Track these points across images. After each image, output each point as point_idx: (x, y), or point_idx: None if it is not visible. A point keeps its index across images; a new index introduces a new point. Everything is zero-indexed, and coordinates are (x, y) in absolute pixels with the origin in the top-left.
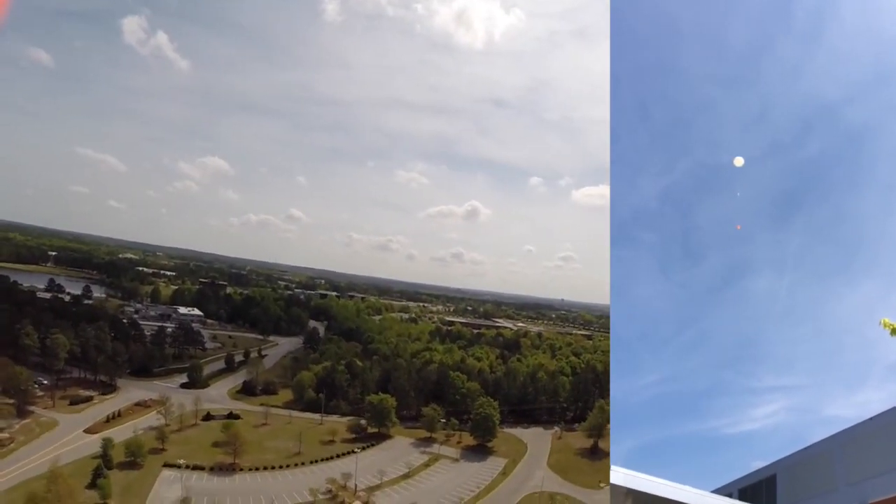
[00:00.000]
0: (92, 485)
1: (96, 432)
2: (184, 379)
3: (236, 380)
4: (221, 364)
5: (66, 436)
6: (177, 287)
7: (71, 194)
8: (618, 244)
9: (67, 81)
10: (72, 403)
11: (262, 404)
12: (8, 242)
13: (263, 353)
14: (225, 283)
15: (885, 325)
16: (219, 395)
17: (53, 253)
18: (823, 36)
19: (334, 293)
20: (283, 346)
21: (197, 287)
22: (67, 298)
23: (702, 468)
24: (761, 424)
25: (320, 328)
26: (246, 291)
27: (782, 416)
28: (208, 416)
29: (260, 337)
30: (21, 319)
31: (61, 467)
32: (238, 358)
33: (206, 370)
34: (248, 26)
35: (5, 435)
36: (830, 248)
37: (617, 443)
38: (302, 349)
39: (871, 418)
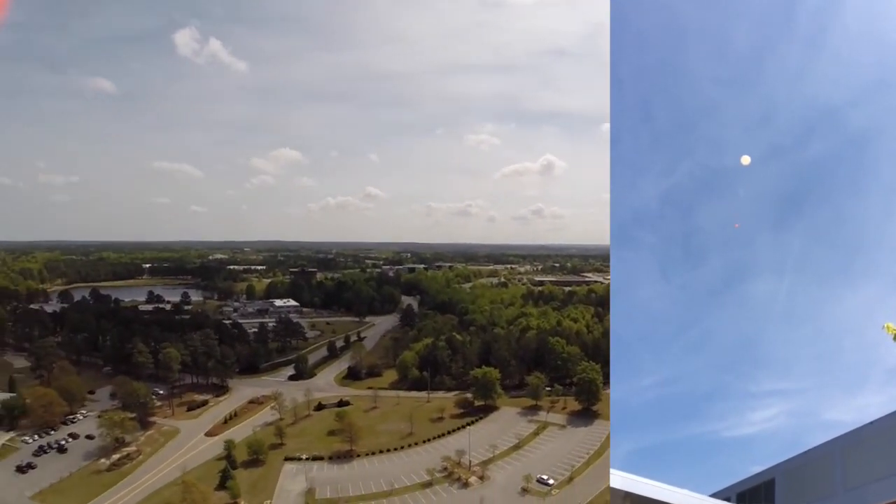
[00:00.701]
0: (221, 486)
1: (216, 434)
2: (290, 371)
3: (341, 366)
4: (324, 352)
5: (189, 441)
6: (269, 280)
7: (154, 206)
8: (618, 246)
9: (132, 102)
10: (189, 409)
11: (369, 388)
12: (104, 262)
13: (362, 335)
14: (314, 269)
15: (888, 330)
16: (326, 383)
17: (147, 265)
18: (826, 40)
19: (422, 265)
20: (379, 325)
21: (288, 278)
22: (168, 307)
23: (701, 472)
24: (760, 428)
25: (414, 304)
26: (336, 276)
27: (781, 420)
28: (320, 406)
29: (356, 319)
30: (131, 337)
31: (189, 472)
32: (339, 343)
33: (311, 359)
34: (297, 16)
35: (133, 448)
36: (831, 250)
37: (616, 445)
38: (399, 327)
39: (870, 423)
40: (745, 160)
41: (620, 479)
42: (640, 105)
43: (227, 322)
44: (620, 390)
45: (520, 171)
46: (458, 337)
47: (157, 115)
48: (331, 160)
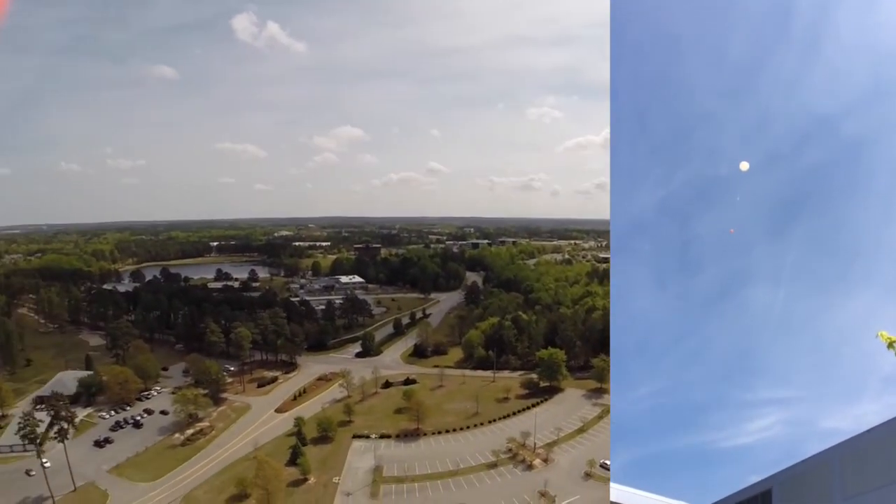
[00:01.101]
0: (291, 462)
1: (286, 411)
2: (358, 348)
3: (407, 343)
4: (390, 329)
5: (260, 417)
6: (335, 257)
7: (220, 186)
8: (615, 255)
9: (194, 87)
10: (259, 386)
11: (435, 366)
12: (173, 241)
13: (427, 312)
14: (378, 245)
15: (882, 338)
16: (392, 360)
17: (215, 243)
18: (821, 50)
19: (485, 241)
20: (444, 302)
21: (353, 254)
22: (237, 285)
23: (697, 483)
24: (758, 438)
25: (478, 280)
26: (401, 251)
27: (778, 430)
28: (387, 384)
29: (421, 296)
30: (202, 316)
31: (261, 448)
32: (405, 320)
33: (377, 336)
34: None
35: (206, 423)
36: (828, 258)
37: (614, 456)
38: (464, 304)
39: (868, 430)
40: (744, 166)
41: (619, 493)
42: (637, 115)
43: (295, 300)
44: (618, 400)
45: (583, 145)
46: (524, 316)
47: (219, 98)
48: (392, 136)
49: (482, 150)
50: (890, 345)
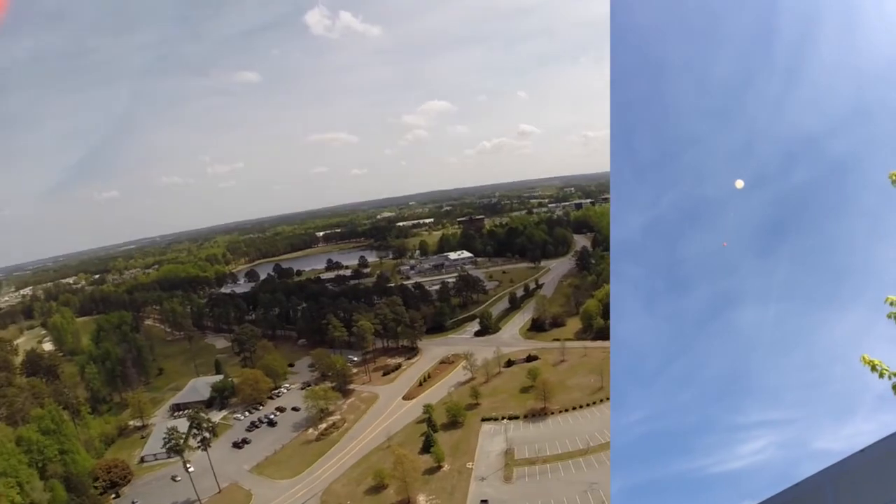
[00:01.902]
0: (424, 450)
1: (413, 397)
2: (475, 327)
3: (524, 317)
4: (505, 303)
5: (388, 406)
6: (440, 234)
7: (317, 176)
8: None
9: (278, 86)
10: (384, 374)
11: (554, 339)
12: (280, 237)
13: (540, 282)
14: (481, 216)
15: (865, 362)
16: (511, 336)
17: (321, 233)
18: (805, 71)
19: (588, 200)
20: (555, 269)
21: (458, 228)
22: (348, 273)
23: None
24: (749, 461)
25: (587, 244)
26: (504, 221)
27: (770, 452)
28: (510, 363)
29: (531, 265)
30: (321, 310)
31: (393, 437)
32: (518, 293)
33: (493, 312)
34: None
35: (337, 416)
36: (817, 277)
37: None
38: (576, 271)
39: (861, 451)
40: (739, 184)
41: None
42: (624, 137)
43: (408, 283)
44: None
45: None
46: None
47: (303, 93)
48: (479, 104)
49: (572, 106)
50: (873, 368)
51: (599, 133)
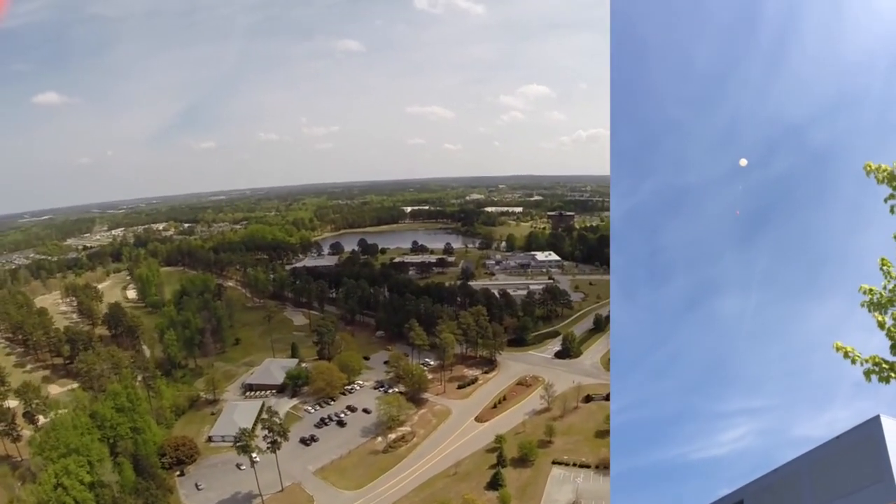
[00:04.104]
0: (491, 486)
1: (486, 420)
2: (557, 346)
3: (608, 342)
4: (589, 323)
5: (460, 425)
6: (528, 225)
7: (410, 147)
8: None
9: (379, 55)
10: (459, 387)
11: None
12: (368, 207)
13: None
14: (572, 212)
15: (837, 349)
16: (592, 364)
17: (408, 209)
18: (787, 60)
19: None
20: None
21: (547, 223)
22: (433, 259)
23: (668, 498)
24: (729, 449)
25: None
26: (595, 224)
27: (750, 440)
28: (588, 398)
29: None
30: (403, 306)
31: (461, 464)
32: (604, 311)
33: (576, 329)
34: None
35: (407, 428)
36: (797, 266)
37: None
38: None
39: (836, 437)
40: (743, 162)
41: None
42: (630, 118)
43: (494, 290)
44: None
45: None
46: None
47: (403, 64)
48: (579, 91)
49: None
50: (846, 355)
51: None
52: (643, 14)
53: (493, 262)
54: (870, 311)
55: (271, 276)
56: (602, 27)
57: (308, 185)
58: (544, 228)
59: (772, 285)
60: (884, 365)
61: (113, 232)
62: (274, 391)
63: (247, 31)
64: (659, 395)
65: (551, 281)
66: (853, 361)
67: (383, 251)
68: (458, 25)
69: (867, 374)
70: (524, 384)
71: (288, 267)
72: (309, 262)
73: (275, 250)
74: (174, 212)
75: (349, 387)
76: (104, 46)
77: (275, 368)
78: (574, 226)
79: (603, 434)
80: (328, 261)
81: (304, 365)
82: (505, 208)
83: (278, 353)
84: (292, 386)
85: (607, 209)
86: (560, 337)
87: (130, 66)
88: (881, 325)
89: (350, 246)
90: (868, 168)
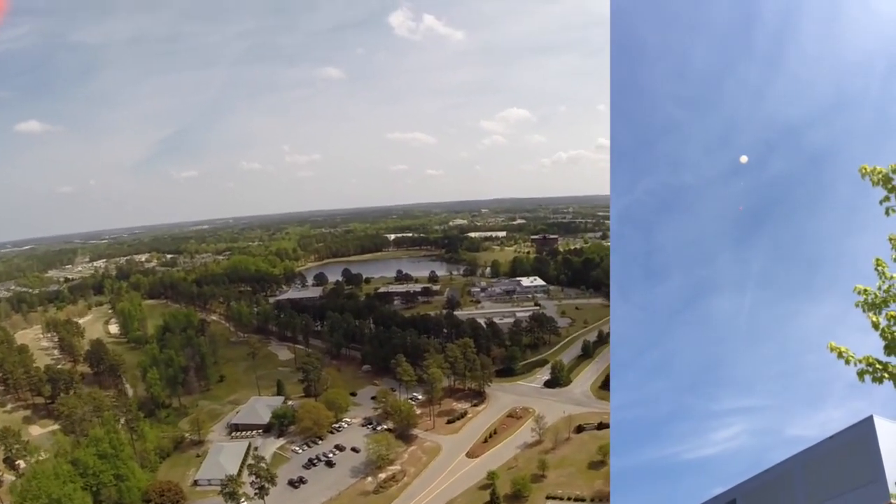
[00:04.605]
0: None
1: (477, 456)
2: (546, 375)
3: (597, 367)
4: (577, 350)
5: (451, 462)
6: (513, 250)
7: (392, 173)
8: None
9: (361, 83)
10: (449, 422)
11: None
12: (351, 235)
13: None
14: (555, 235)
15: (832, 349)
16: (583, 393)
17: (392, 236)
18: (784, 61)
19: None
20: None
21: (531, 248)
22: (418, 287)
23: (661, 497)
24: (722, 448)
25: None
26: (580, 245)
27: (744, 439)
28: (580, 428)
29: (605, 303)
30: (390, 339)
31: (454, 501)
32: (591, 337)
33: (564, 356)
34: None
35: (397, 467)
36: (792, 267)
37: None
38: None
39: (830, 437)
40: (744, 159)
41: None
42: (629, 121)
43: (481, 320)
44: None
45: None
46: None
47: (384, 91)
48: (559, 114)
49: None
50: (840, 355)
51: None
52: (642, 15)
53: (479, 289)
54: (864, 311)
55: (255, 309)
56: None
57: (291, 214)
58: (528, 252)
59: (767, 285)
60: (877, 365)
61: (95, 263)
62: (260, 431)
63: (230, 59)
64: (654, 394)
65: (537, 307)
66: (847, 362)
67: (368, 281)
68: (438, 52)
69: (860, 374)
70: (514, 416)
71: (272, 299)
72: (293, 293)
73: (258, 282)
74: (157, 242)
75: (337, 425)
76: (87, 74)
77: (260, 407)
78: (558, 249)
79: (597, 465)
80: (312, 292)
81: (290, 403)
82: (488, 233)
83: (264, 389)
84: (279, 425)
85: (590, 230)
86: (549, 365)
87: (113, 94)
88: (875, 326)
89: (334, 276)
90: (863, 171)
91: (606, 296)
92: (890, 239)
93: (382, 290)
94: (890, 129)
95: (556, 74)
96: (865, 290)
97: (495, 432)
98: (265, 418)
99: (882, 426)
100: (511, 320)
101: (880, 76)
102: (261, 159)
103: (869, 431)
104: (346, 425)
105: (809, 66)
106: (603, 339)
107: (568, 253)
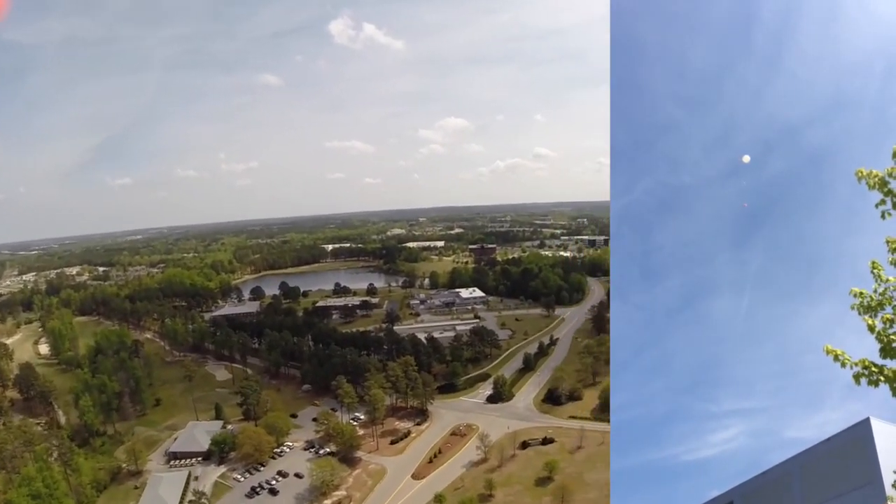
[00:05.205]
0: None
1: (423, 477)
2: (488, 390)
3: (539, 379)
4: (519, 363)
5: (396, 485)
6: (451, 260)
7: (330, 182)
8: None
9: (299, 91)
10: (392, 442)
11: (571, 417)
12: (288, 246)
13: (554, 337)
14: (494, 245)
15: (828, 352)
16: (525, 407)
17: (330, 247)
18: (783, 61)
19: (602, 237)
20: (569, 320)
21: (469, 258)
22: (357, 301)
23: (659, 499)
24: (720, 450)
25: (601, 291)
26: (518, 254)
27: (741, 441)
28: (525, 444)
29: (545, 313)
30: (330, 358)
31: None
32: (532, 348)
33: (506, 370)
34: None
35: (343, 492)
36: (790, 268)
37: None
38: (592, 330)
39: (827, 439)
40: (746, 159)
41: None
42: (628, 118)
43: (421, 336)
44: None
45: None
46: None
47: (323, 99)
48: (497, 124)
49: (589, 132)
50: (836, 358)
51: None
52: (641, 15)
53: (418, 301)
54: (860, 314)
55: (190, 326)
56: (519, 61)
57: (227, 223)
58: (467, 263)
59: (765, 286)
60: (873, 368)
61: (24, 277)
62: (200, 459)
63: (166, 64)
64: (652, 395)
65: (477, 320)
66: (843, 365)
67: (305, 294)
68: (378, 61)
69: (856, 377)
70: (458, 434)
71: (207, 315)
72: (229, 309)
73: (194, 296)
74: (89, 254)
75: (278, 449)
76: (18, 75)
77: (199, 433)
78: (496, 258)
79: (544, 482)
80: (249, 307)
81: (229, 427)
82: (426, 243)
83: (202, 413)
84: (219, 452)
85: (528, 239)
86: (491, 379)
87: (45, 97)
88: (871, 329)
89: (271, 289)
90: (860, 174)
91: (546, 306)
92: (887, 241)
93: (321, 303)
94: (888, 129)
95: (495, 84)
96: (861, 293)
97: (440, 451)
98: (204, 445)
99: (879, 428)
100: (451, 334)
101: (879, 76)
102: (196, 167)
103: (866, 433)
104: (287, 449)
105: (808, 66)
106: (543, 351)
107: (506, 263)
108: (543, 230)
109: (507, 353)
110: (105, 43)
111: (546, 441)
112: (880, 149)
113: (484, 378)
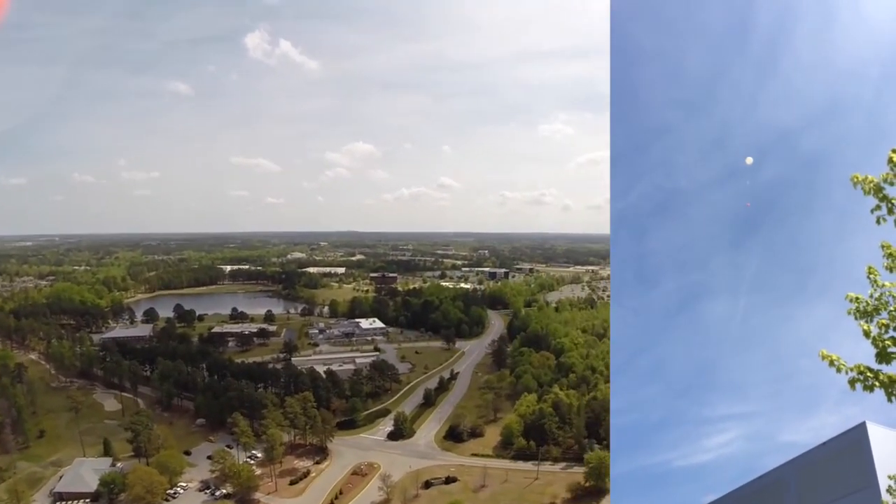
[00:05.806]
0: None
1: None
2: (389, 426)
3: (440, 414)
4: (419, 398)
5: None
6: (351, 287)
7: (233, 199)
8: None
9: (209, 101)
10: (292, 483)
11: (473, 454)
12: (185, 265)
13: (455, 370)
14: (395, 274)
15: (823, 357)
16: (427, 444)
17: (228, 268)
18: (778, 67)
19: (502, 270)
20: (469, 353)
21: (370, 287)
22: (254, 328)
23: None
24: (716, 454)
25: (502, 327)
26: (419, 285)
27: (737, 445)
28: (428, 484)
29: (445, 346)
30: (227, 396)
31: None
32: (432, 383)
33: (406, 405)
34: (367, 9)
35: None
36: (785, 272)
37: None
38: (493, 365)
39: (823, 443)
40: (749, 160)
41: None
42: (630, 129)
43: (320, 370)
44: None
45: (594, 160)
46: (564, 399)
47: (232, 113)
48: (404, 152)
49: (494, 165)
50: (831, 363)
51: (517, 194)
52: (639, 21)
53: (317, 330)
54: (856, 319)
55: (78, 349)
56: (430, 92)
57: (123, 235)
58: (367, 291)
59: (760, 290)
60: (868, 374)
61: None
62: (87, 501)
63: (75, 57)
64: (646, 399)
65: (377, 353)
66: (838, 370)
67: (201, 318)
68: (291, 79)
69: (852, 382)
70: (360, 473)
71: (97, 337)
72: (120, 331)
73: (83, 315)
74: None
75: (172, 490)
76: None
77: (86, 471)
78: (397, 288)
79: None
80: (141, 330)
81: (119, 465)
82: (327, 269)
83: (89, 447)
84: (108, 493)
85: (429, 269)
86: (391, 415)
87: None
88: (866, 334)
89: (165, 311)
90: (855, 179)
91: (446, 339)
92: (882, 246)
93: (217, 329)
94: (883, 134)
95: (406, 112)
96: (857, 298)
97: (341, 492)
98: (92, 485)
99: (875, 432)
100: (351, 367)
101: (873, 82)
102: (95, 172)
103: (862, 438)
104: (181, 491)
105: (803, 71)
106: (444, 386)
107: (407, 293)
108: (445, 260)
109: (407, 387)
110: (15, 28)
111: (449, 480)
112: (875, 154)
113: (384, 414)
